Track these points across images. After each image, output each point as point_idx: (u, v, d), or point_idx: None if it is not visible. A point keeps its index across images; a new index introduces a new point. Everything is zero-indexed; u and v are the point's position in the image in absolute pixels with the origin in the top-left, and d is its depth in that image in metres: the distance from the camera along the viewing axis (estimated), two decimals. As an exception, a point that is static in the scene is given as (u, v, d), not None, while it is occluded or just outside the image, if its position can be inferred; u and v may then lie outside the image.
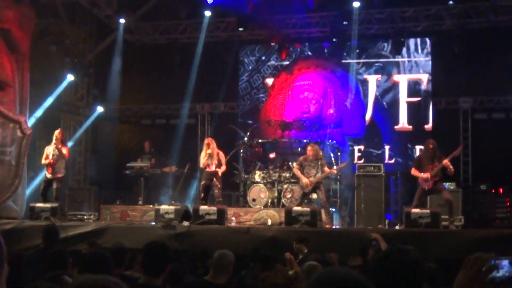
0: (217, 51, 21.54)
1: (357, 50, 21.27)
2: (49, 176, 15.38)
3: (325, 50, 21.67)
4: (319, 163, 14.83)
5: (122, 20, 20.29)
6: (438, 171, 13.64)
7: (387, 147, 20.82)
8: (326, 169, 14.85)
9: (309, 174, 14.72)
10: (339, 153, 18.11)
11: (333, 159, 17.77)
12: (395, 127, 20.97)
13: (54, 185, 15.49)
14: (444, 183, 14.65)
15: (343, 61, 21.26)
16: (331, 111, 20.87)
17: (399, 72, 21.22)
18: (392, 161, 20.20)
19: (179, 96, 21.66)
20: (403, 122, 21.00)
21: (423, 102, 20.94)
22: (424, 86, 20.97)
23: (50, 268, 6.06)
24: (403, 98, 21.11)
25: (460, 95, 20.54)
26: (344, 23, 19.40)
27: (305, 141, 18.40)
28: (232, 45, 21.45)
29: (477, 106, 20.54)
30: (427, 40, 20.87)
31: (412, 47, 20.96)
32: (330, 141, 19.10)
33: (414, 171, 14.01)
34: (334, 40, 20.36)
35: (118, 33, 20.70)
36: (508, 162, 18.74)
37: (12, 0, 17.61)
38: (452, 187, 16.86)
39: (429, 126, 20.71)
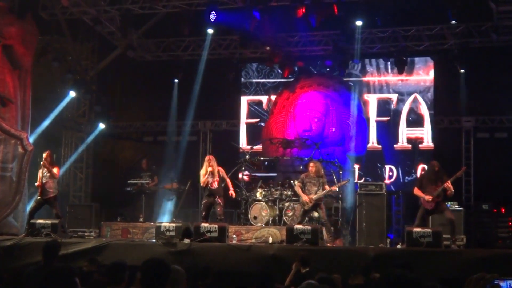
0: (219, 68, 21.54)
1: (328, 69, 21.54)
2: (39, 197, 15.34)
3: (327, 69, 21.68)
4: (320, 180, 14.79)
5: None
6: (440, 192, 13.61)
7: (356, 167, 20.91)
8: (326, 186, 14.81)
9: (310, 191, 14.67)
10: (341, 172, 18.08)
11: (335, 177, 17.72)
12: (365, 146, 21.11)
13: (51, 205, 15.40)
14: (446, 203, 14.58)
15: (345, 79, 21.29)
16: (333, 129, 20.86)
17: (368, 92, 21.42)
18: (362, 180, 20.13)
19: (181, 113, 21.68)
20: (373, 142, 21.17)
21: (392, 122, 21.04)
22: (393, 105, 21.13)
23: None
24: (373, 117, 21.31)
25: (462, 114, 20.55)
26: (347, 42, 19.39)
27: (306, 159, 18.40)
28: (234, 63, 21.42)
29: (479, 125, 20.54)
30: (353, 62, 21.00)
31: (381, 66, 21.09)
32: (332, 159, 19.08)
33: (416, 191, 13.96)
34: (336, 58, 20.37)
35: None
36: (510, 182, 18.69)
37: (15, 16, 17.65)
38: (454, 207, 16.80)
39: (398, 145, 20.85)
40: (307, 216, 15.16)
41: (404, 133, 21.01)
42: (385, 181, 20.12)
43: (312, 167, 14.94)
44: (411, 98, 21.04)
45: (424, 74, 20.98)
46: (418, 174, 20.36)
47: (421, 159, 20.60)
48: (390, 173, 20.71)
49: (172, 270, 6.29)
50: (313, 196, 14.56)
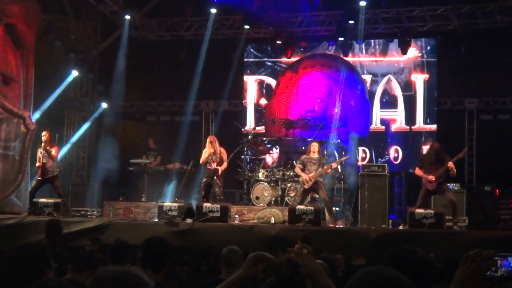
0: (222, 48, 21.48)
1: (301, 49, 21.61)
2: (39, 178, 15.37)
3: (331, 49, 21.64)
4: (321, 160, 14.83)
5: (127, 17, 20.14)
6: (442, 172, 13.55)
7: (360, 149, 20.93)
8: (326, 166, 14.86)
9: (310, 170, 14.69)
10: (343, 152, 18.07)
11: (337, 158, 17.71)
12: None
13: (53, 184, 15.43)
14: (448, 184, 14.57)
15: (349, 60, 21.22)
16: (336, 110, 20.82)
17: (344, 73, 21.45)
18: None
19: (184, 93, 21.62)
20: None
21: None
22: (367, 86, 21.14)
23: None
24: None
25: (465, 96, 20.50)
26: (350, 22, 19.33)
27: (309, 139, 18.38)
28: (237, 43, 21.34)
29: (482, 107, 20.48)
30: (372, 41, 21.00)
31: (356, 47, 21.05)
32: (335, 140, 19.06)
33: (418, 171, 13.92)
34: (340, 39, 20.31)
35: (124, 29, 20.58)
36: (513, 164, 18.71)
37: (18, -5, 17.59)
38: (456, 188, 16.81)
39: (373, 127, 20.92)
40: (308, 196, 15.18)
41: (378, 114, 21.04)
42: (358, 163, 20.07)
43: (314, 146, 14.98)
44: (385, 79, 21.09)
45: (398, 56, 20.91)
46: (391, 156, 20.44)
47: (393, 141, 20.67)
48: (363, 155, 20.73)
49: (228, 250, 6.31)
50: (313, 174, 14.58)
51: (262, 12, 19.32)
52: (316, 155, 14.93)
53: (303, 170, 14.78)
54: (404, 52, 20.06)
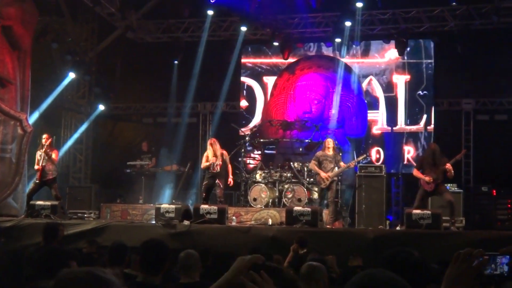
0: (219, 50, 21.48)
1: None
2: (37, 180, 15.34)
3: (327, 50, 21.65)
4: (337, 157, 14.87)
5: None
6: (440, 174, 13.59)
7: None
8: (342, 163, 14.91)
9: (327, 168, 14.70)
10: (340, 154, 18.07)
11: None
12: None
13: (50, 187, 15.41)
14: (445, 185, 14.59)
15: (345, 61, 21.22)
16: (333, 111, 20.83)
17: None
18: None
19: (181, 95, 21.64)
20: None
21: None
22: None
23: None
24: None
25: (462, 97, 20.51)
26: (347, 23, 19.34)
27: (306, 141, 18.42)
28: (234, 45, 21.33)
29: (479, 107, 20.50)
30: (353, 44, 20.97)
31: (338, 48, 21.07)
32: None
33: (416, 172, 13.96)
34: (336, 40, 20.31)
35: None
36: (509, 164, 18.70)
37: (15, -3, 17.58)
38: (453, 189, 16.81)
39: None
40: (325, 194, 15.07)
41: None
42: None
43: (329, 142, 15.00)
44: (367, 80, 21.12)
45: (379, 57, 21.00)
46: (373, 158, 20.43)
47: (374, 142, 20.72)
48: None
49: (186, 254, 6.33)
50: (331, 174, 14.61)
51: (259, 13, 19.31)
52: (331, 152, 14.96)
53: (318, 167, 14.79)
54: (400, 53, 20.09)
